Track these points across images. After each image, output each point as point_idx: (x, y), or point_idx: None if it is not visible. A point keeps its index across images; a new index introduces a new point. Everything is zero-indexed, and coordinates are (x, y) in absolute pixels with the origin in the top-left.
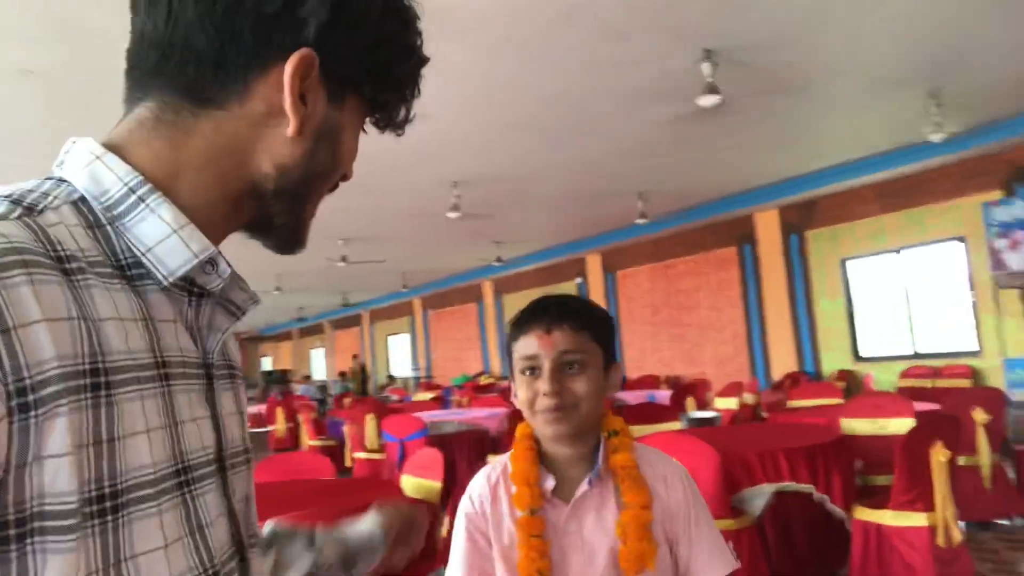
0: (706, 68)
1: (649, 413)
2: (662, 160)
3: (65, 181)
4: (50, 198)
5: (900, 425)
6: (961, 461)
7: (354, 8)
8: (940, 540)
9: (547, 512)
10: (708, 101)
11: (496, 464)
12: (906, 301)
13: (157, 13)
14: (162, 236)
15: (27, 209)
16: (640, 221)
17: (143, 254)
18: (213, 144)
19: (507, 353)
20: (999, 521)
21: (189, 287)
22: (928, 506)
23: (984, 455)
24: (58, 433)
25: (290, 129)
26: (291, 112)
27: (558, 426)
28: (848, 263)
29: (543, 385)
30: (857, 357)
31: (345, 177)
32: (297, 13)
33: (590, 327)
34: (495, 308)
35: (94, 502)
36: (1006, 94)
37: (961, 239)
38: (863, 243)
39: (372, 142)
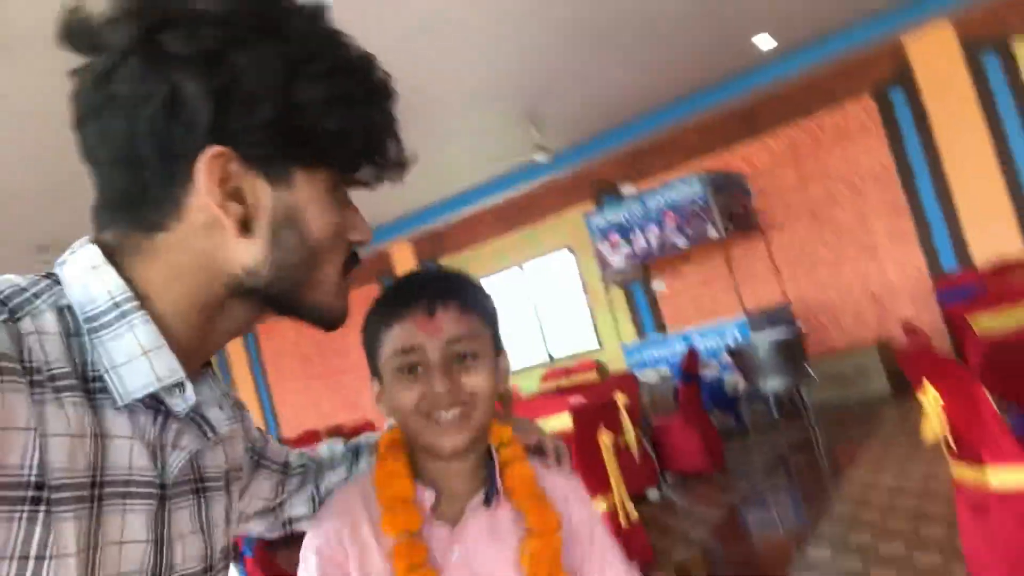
0: None
1: None
2: None
3: (60, 284)
4: (36, 302)
5: (559, 421)
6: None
7: (243, 90)
8: (621, 519)
9: (426, 536)
10: None
11: (353, 483)
12: (534, 312)
13: (90, 162)
14: (130, 356)
15: (10, 312)
16: None
17: (106, 371)
18: (175, 263)
19: (367, 345)
20: (649, 490)
21: (157, 405)
22: (604, 489)
23: (629, 433)
24: None
25: (232, 232)
26: (223, 216)
27: (456, 435)
28: (483, 281)
29: (436, 383)
30: None
31: (357, 243)
32: (184, 118)
33: (479, 306)
34: None
35: None
36: (589, 115)
37: (570, 249)
38: (490, 263)
39: None
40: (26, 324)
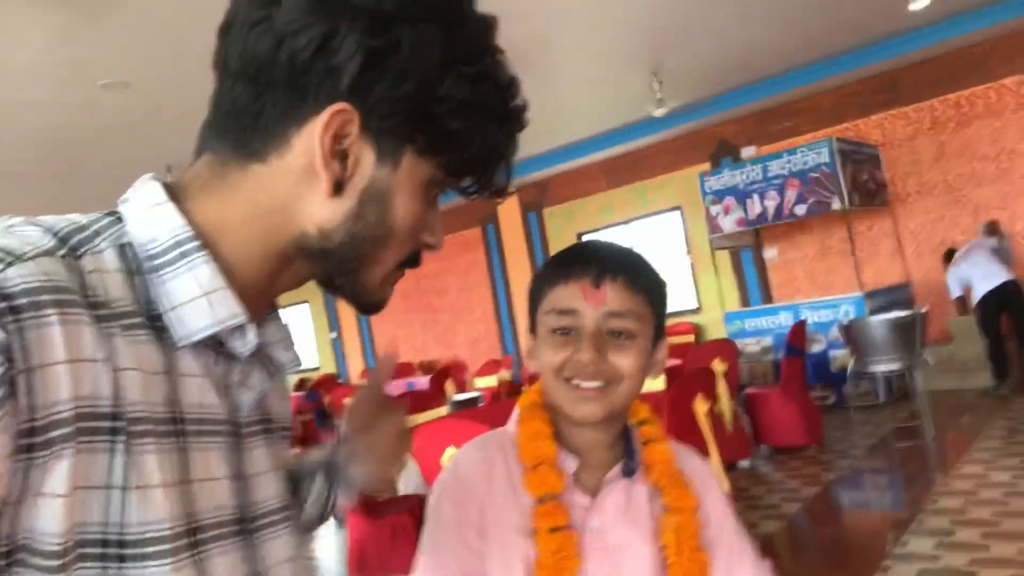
0: None
1: (414, 402)
2: None
3: (122, 220)
4: (97, 240)
5: (650, 383)
6: (704, 409)
7: (399, 57)
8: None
9: (566, 502)
10: None
11: (492, 437)
12: None
13: (218, 69)
14: (189, 297)
15: (71, 249)
16: None
17: (166, 311)
18: (256, 201)
19: (531, 299)
20: (740, 461)
21: (220, 345)
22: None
23: (725, 401)
24: (59, 474)
25: (323, 188)
26: (322, 170)
27: (592, 405)
28: (583, 237)
29: (583, 352)
30: None
31: (427, 246)
32: (330, 62)
33: (649, 289)
34: None
35: (97, 544)
36: (716, 72)
37: (678, 208)
38: (595, 218)
39: None
40: (87, 262)
